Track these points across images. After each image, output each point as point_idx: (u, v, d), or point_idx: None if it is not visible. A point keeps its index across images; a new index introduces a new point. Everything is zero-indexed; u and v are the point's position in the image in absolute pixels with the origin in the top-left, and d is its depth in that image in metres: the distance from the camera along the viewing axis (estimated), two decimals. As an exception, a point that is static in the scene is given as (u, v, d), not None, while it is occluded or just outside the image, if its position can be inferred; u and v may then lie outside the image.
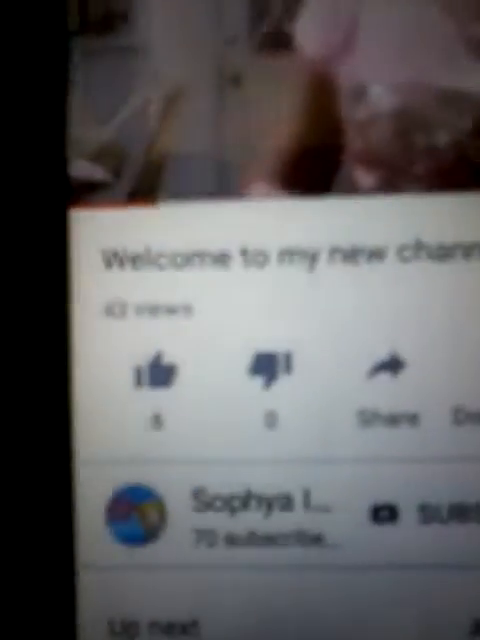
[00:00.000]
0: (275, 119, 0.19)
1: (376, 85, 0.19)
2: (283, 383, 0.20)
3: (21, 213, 0.19)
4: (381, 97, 0.19)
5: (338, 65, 0.19)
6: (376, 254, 0.19)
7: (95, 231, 0.20)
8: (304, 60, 0.19)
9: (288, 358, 0.20)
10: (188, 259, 0.20)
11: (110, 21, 0.20)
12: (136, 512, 0.20)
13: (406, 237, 0.19)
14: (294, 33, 0.19)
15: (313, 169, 0.19)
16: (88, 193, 0.20)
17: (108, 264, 0.20)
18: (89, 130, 0.19)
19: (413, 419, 0.19)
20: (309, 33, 0.19)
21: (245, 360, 0.20)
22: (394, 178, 0.19)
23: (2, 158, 0.19)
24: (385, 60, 0.19)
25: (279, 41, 0.19)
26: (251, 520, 0.20)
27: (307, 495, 0.20)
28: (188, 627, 0.20)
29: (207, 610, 0.20)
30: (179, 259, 0.20)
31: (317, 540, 0.20)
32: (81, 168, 0.19)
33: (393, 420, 0.19)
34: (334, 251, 0.19)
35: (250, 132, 0.19)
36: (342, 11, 0.19)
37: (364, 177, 0.19)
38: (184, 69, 0.19)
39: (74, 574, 0.20)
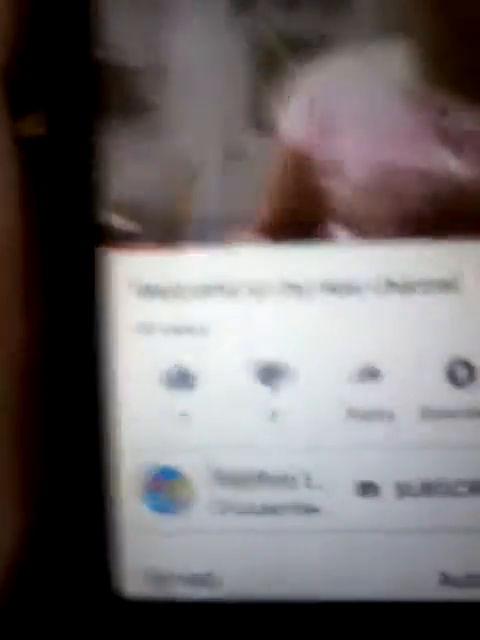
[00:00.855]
0: (265, 187, 0.23)
1: (347, 165, 0.23)
2: (284, 387, 0.23)
3: (67, 263, 0.23)
4: (351, 174, 0.23)
5: (316, 146, 0.23)
6: (353, 289, 0.23)
7: (130, 270, 0.23)
8: (290, 141, 0.23)
9: (287, 367, 0.23)
10: (204, 290, 0.23)
11: (134, 107, 0.23)
12: (166, 488, 0.23)
13: (377, 275, 0.23)
14: (280, 122, 0.23)
15: (294, 224, 0.23)
16: (123, 240, 0.23)
17: (140, 294, 0.23)
18: (125, 195, 0.23)
19: (389, 415, 0.23)
20: (294, 123, 0.23)
21: (252, 369, 0.23)
22: (363, 231, 0.23)
23: (56, 223, 0.23)
24: (357, 144, 0.23)
25: (268, 127, 0.23)
26: (262, 495, 0.23)
27: (307, 475, 0.23)
28: (207, 578, 0.23)
29: (224, 566, 0.23)
30: (196, 290, 0.23)
31: (314, 510, 0.23)
32: (117, 222, 0.23)
33: (372, 416, 0.23)
34: (322, 286, 0.23)
35: (247, 196, 0.23)
36: (321, 104, 0.23)
37: (339, 231, 0.23)
38: (196, 146, 0.23)
39: (118, 537, 0.23)
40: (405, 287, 0.23)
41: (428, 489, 0.23)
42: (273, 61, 0.23)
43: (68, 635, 0.23)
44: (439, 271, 0.23)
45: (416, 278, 0.23)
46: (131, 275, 0.23)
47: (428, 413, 0.23)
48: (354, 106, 0.23)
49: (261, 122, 0.23)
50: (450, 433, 0.23)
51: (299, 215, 0.23)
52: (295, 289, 0.23)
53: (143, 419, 0.23)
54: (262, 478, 0.23)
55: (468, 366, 0.23)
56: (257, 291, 0.23)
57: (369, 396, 0.23)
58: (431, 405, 0.23)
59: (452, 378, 0.23)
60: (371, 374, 0.23)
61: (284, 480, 0.23)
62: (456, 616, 0.23)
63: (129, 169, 0.23)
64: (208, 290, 0.23)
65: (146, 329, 0.23)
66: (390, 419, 0.23)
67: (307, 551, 0.23)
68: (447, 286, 0.23)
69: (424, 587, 0.23)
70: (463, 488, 0.23)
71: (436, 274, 0.23)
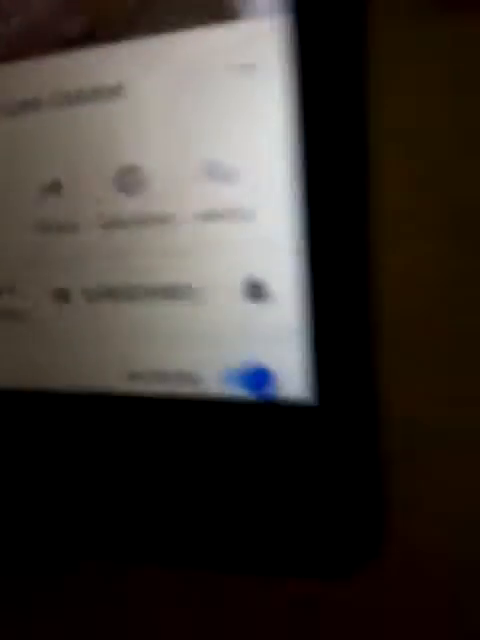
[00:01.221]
0: None
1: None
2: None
3: None
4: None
5: None
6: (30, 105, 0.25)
7: None
8: None
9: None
10: None
11: None
12: None
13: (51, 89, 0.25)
14: None
15: None
16: None
17: None
18: None
19: (73, 227, 0.25)
20: None
21: None
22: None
23: None
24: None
25: None
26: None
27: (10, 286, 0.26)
28: None
29: None
30: None
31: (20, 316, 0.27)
32: None
33: (58, 228, 0.26)
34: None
35: None
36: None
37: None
38: None
39: None
40: (76, 97, 0.24)
41: (111, 294, 0.25)
42: None
43: None
44: (104, 77, 0.24)
45: (84, 86, 0.24)
46: None
47: (108, 223, 0.25)
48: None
49: None
50: (127, 241, 0.25)
51: None
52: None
53: None
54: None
55: (136, 173, 0.24)
56: None
57: (55, 210, 0.25)
58: (107, 214, 0.25)
59: (122, 186, 0.25)
60: (54, 188, 0.25)
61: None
62: (142, 408, 0.26)
63: None
64: None
65: None
66: (74, 230, 0.25)
67: (15, 353, 0.27)
68: (112, 92, 0.24)
69: (115, 382, 0.26)
70: (143, 292, 0.25)
71: (102, 80, 0.24)
